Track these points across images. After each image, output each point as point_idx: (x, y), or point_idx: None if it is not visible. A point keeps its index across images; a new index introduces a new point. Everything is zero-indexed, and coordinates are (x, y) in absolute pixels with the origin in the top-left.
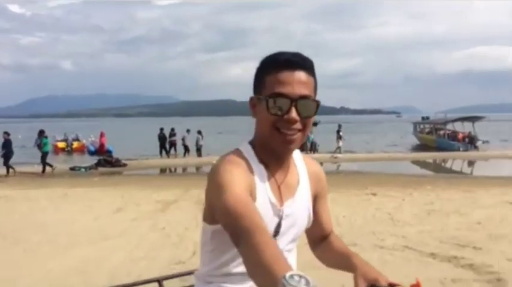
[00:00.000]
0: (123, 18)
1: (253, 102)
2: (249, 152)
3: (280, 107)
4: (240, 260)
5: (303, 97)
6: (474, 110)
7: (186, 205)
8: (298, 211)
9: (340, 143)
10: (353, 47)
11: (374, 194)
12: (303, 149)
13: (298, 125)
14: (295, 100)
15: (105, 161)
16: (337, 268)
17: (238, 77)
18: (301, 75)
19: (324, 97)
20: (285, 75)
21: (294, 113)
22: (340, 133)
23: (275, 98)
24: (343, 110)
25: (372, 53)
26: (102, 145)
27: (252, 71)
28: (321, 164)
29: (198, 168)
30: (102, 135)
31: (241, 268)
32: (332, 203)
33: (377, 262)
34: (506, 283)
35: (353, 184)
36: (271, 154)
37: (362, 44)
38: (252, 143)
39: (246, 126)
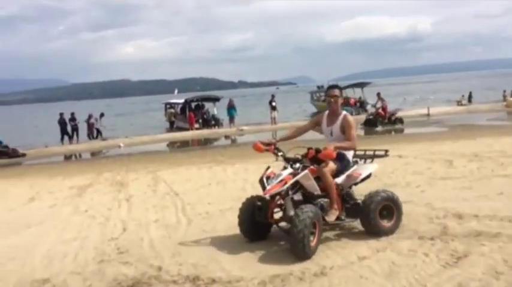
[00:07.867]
0: None
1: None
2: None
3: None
4: None
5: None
6: (362, 76)
7: (103, 187)
8: (335, 129)
9: (274, 114)
10: (245, 21)
11: None
12: (215, 124)
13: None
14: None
15: (1, 152)
16: None
17: (130, 55)
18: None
19: (223, 72)
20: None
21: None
22: (273, 104)
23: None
24: (241, 84)
25: (262, 27)
26: None
27: (147, 49)
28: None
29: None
30: None
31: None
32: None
33: None
34: None
35: None
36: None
37: (253, 17)
38: None
39: (143, 107)
